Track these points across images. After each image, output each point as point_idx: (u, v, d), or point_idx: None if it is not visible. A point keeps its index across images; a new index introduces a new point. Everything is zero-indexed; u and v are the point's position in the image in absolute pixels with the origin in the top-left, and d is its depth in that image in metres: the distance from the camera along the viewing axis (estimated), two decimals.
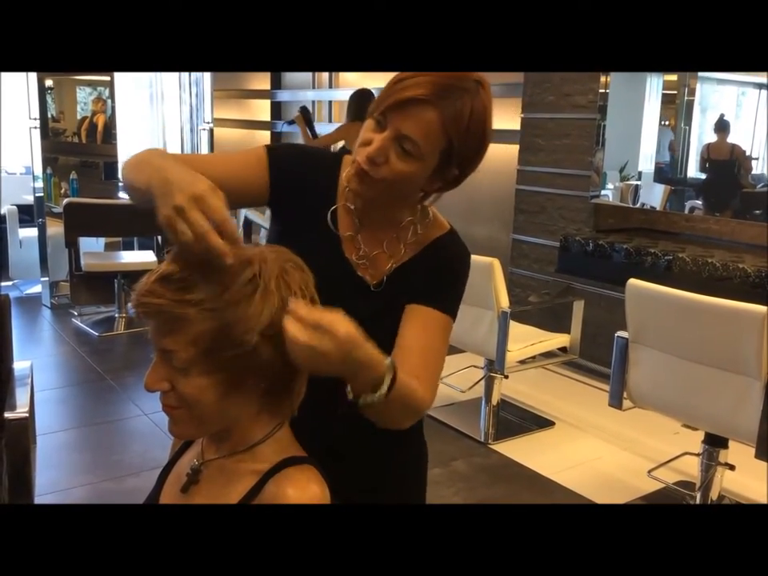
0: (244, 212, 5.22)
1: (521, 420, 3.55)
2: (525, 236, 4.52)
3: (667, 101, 4.14)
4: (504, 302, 3.12)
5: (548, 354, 3.45)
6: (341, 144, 4.62)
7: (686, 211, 4.01)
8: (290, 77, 6.85)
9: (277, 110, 6.95)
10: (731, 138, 3.81)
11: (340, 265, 1.15)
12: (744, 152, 3.76)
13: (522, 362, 3.29)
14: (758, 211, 3.63)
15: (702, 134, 3.94)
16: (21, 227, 5.74)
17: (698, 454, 2.61)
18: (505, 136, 4.60)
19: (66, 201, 4.76)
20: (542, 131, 4.34)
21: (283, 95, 6.88)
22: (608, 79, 4.00)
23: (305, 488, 0.89)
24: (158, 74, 6.48)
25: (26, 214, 5.70)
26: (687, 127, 3.99)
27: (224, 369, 0.87)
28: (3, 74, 4.16)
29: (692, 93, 3.93)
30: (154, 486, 1.05)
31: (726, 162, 3.87)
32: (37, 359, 3.67)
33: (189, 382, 0.88)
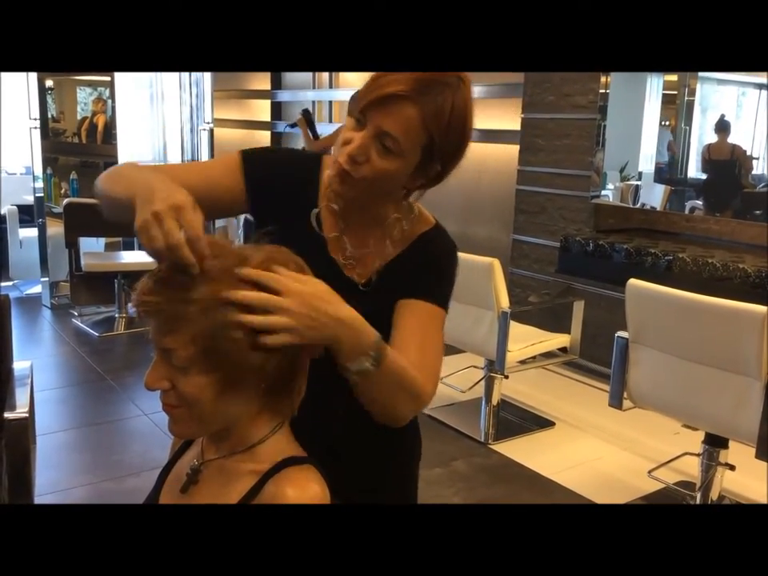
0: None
1: (521, 420, 3.55)
2: (525, 236, 4.52)
3: (667, 101, 4.13)
4: (504, 302, 3.12)
5: (548, 354, 3.45)
6: None
7: (687, 211, 4.01)
8: (290, 77, 6.85)
9: (277, 110, 6.95)
10: (732, 138, 3.81)
11: (327, 266, 1.13)
12: (744, 152, 3.76)
13: (522, 362, 3.28)
14: (758, 211, 3.63)
15: (702, 134, 3.94)
16: (21, 227, 5.75)
17: (698, 454, 2.61)
18: (505, 136, 4.61)
19: (66, 201, 4.76)
20: (542, 131, 4.34)
21: (283, 95, 6.88)
22: (608, 79, 4.00)
23: (305, 488, 0.89)
24: (158, 74, 6.47)
25: (26, 214, 5.70)
26: (687, 127, 3.99)
27: (223, 367, 0.87)
28: (3, 74, 4.16)
29: (692, 93, 3.92)
30: (153, 486, 1.05)
31: (727, 163, 3.87)
32: (37, 359, 3.67)
33: (189, 381, 0.88)
